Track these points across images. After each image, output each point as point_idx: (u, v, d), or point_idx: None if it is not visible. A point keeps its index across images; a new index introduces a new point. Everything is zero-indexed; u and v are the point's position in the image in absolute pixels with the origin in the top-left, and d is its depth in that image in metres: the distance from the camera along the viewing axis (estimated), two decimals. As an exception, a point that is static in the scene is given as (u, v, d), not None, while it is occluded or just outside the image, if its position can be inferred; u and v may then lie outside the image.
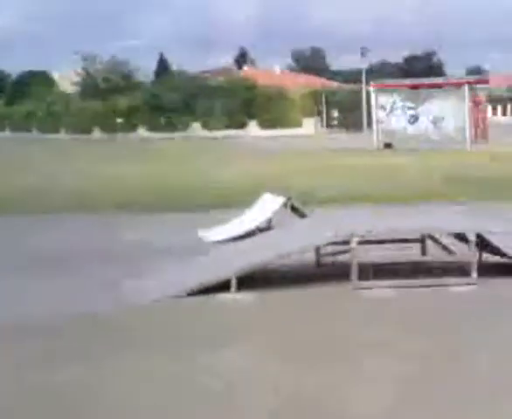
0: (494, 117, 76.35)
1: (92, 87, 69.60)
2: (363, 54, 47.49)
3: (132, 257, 9.27)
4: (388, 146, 33.92)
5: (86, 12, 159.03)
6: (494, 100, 78.51)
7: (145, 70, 75.98)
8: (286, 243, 8.06)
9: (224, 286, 7.22)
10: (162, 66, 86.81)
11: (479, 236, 7.83)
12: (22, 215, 13.40)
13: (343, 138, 44.62)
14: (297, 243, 7.92)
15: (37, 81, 72.61)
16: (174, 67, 79.87)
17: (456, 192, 15.48)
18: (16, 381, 5.02)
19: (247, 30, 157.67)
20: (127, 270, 8.32)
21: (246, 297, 7.13)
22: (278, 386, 4.87)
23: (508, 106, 79.54)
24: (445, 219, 8.91)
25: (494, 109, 79.89)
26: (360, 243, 7.65)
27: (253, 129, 60.52)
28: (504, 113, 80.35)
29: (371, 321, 6.43)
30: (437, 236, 8.55)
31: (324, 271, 8.24)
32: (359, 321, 6.45)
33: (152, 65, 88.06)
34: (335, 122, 63.51)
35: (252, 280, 7.37)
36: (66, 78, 72.10)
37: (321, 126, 63.00)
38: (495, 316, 6.60)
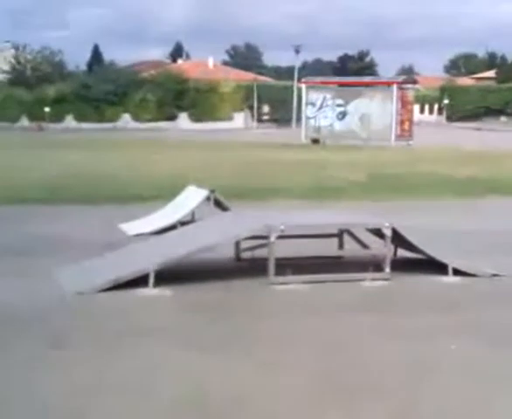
0: (422, 115, 78.05)
1: (21, 76, 68.49)
2: (296, 51, 47.94)
3: (51, 250, 9.14)
4: (315, 141, 34.31)
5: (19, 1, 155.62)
6: (423, 100, 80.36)
7: (78, 61, 75.15)
8: (205, 236, 8.07)
9: (142, 281, 7.20)
10: (96, 58, 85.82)
11: (394, 231, 8.00)
12: None
13: (272, 132, 44.94)
14: (216, 236, 7.94)
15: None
16: (107, 59, 79.26)
17: (370, 188, 15.87)
18: None
19: (184, 24, 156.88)
20: (45, 263, 8.21)
21: (163, 292, 7.12)
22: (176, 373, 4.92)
23: (435, 106, 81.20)
24: (361, 215, 9.06)
25: (422, 108, 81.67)
26: (279, 237, 7.73)
27: (183, 122, 60.43)
28: (431, 112, 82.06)
29: (274, 315, 6.57)
30: (354, 231, 8.69)
31: (243, 266, 8.30)
32: (263, 315, 6.58)
33: (86, 57, 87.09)
34: (266, 117, 63.82)
35: (171, 275, 7.38)
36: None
37: (252, 120, 63.22)
38: (397, 309, 6.82)
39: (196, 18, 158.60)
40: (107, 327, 6.11)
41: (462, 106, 74.61)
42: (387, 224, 7.95)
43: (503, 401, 4.62)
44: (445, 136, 40.18)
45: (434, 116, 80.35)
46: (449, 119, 73.93)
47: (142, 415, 4.38)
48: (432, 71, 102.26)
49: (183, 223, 10.21)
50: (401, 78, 38.23)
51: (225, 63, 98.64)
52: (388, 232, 7.92)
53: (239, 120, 62.44)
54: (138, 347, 5.54)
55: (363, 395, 4.67)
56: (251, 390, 4.74)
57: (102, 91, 59.97)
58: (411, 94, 35.89)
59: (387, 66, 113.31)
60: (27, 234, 10.24)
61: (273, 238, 7.61)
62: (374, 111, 33.66)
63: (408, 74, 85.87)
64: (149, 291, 7.10)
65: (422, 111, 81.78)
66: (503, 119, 72.65)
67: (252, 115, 63.88)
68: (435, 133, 43.56)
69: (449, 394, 4.70)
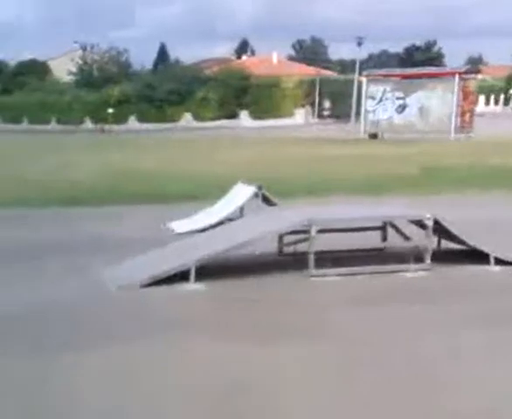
0: (487, 106, 76.50)
1: (88, 77, 69.64)
2: (359, 43, 47.45)
3: (102, 247, 9.38)
4: (373, 136, 34.07)
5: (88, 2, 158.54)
6: (488, 90, 78.77)
7: (144, 60, 75.86)
8: (246, 232, 8.20)
9: (184, 276, 7.36)
10: (162, 57, 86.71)
11: (436, 222, 7.99)
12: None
13: (331, 128, 44.80)
14: (257, 232, 8.05)
15: (33, 71, 72.48)
16: (172, 57, 79.93)
17: (426, 182, 15.74)
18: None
19: (251, 20, 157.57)
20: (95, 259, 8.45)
21: (203, 286, 7.26)
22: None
23: (502, 96, 79.48)
24: (403, 207, 9.06)
25: (488, 99, 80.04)
26: (320, 231, 7.82)
27: (244, 120, 60.57)
28: (496, 103, 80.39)
29: (311, 306, 6.65)
30: (396, 223, 8.69)
31: (285, 260, 8.40)
32: (300, 306, 6.67)
33: (152, 56, 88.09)
34: (327, 112, 63.42)
35: (213, 270, 7.53)
36: (63, 68, 71.97)
37: (313, 116, 62.91)
38: (435, 299, 6.84)
39: (262, 14, 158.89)
40: (148, 320, 6.29)
41: (531, 96, 72.87)
42: (428, 216, 7.96)
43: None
44: (509, 128, 39.36)
45: (500, 107, 78.68)
46: (516, 109, 72.24)
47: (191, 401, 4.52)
48: (502, 60, 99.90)
49: (230, 220, 10.35)
50: (463, 69, 37.59)
51: (291, 58, 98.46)
52: (429, 223, 7.93)
53: (300, 116, 62.18)
54: (179, 339, 5.70)
55: (420, 386, 4.74)
56: (292, 380, 4.84)
57: (165, 90, 60.39)
58: (473, 85, 35.31)
59: (455, 56, 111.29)
60: (84, 233, 10.53)
61: (313, 232, 7.69)
62: (434, 103, 33.21)
63: (475, 64, 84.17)
64: (190, 286, 7.25)
65: (487, 102, 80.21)
66: None
67: (313, 111, 63.58)
68: (498, 124, 42.64)
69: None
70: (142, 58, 73.46)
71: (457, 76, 33.61)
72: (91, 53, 73.52)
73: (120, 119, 58.96)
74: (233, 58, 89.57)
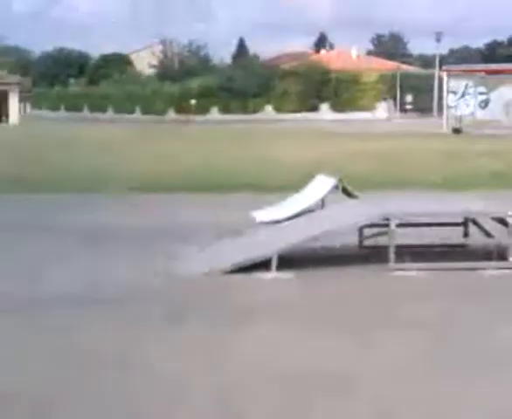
0: None
1: (168, 70, 70.97)
2: (437, 39, 46.89)
3: (188, 234, 9.64)
4: (457, 131, 33.62)
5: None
6: None
7: (222, 54, 76.80)
8: (326, 223, 8.32)
9: (265, 265, 7.55)
10: (241, 50, 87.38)
11: (519, 221, 7.93)
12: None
13: (413, 122, 44.37)
14: (336, 223, 8.17)
15: (115, 63, 74.17)
16: (251, 52, 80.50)
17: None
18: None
19: (329, 14, 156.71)
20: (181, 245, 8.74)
21: (284, 275, 7.43)
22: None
23: None
24: (485, 204, 8.99)
25: None
26: (402, 225, 7.88)
27: (325, 112, 60.60)
28: None
29: (388, 300, 6.75)
30: (478, 220, 8.66)
31: (365, 253, 8.49)
32: (376, 299, 6.77)
33: (231, 49, 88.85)
34: (409, 106, 62.84)
35: (295, 260, 7.69)
36: (144, 61, 73.55)
37: (395, 110, 62.47)
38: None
39: (341, 8, 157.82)
40: (230, 305, 6.53)
41: None
42: (511, 213, 7.91)
43: None
44: None
45: None
46: None
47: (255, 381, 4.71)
48: None
49: (310, 212, 10.47)
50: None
51: (369, 52, 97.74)
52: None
53: (382, 109, 61.88)
54: (259, 324, 5.91)
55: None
56: (361, 369, 4.98)
57: (245, 83, 61.05)
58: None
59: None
60: (168, 220, 10.85)
61: (392, 226, 7.75)
62: (519, 99, 32.63)
63: None
64: (272, 275, 7.43)
65: None
66: None
67: (395, 105, 63.13)
68: None
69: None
70: (221, 53, 74.11)
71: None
72: (171, 47, 74.87)
73: (202, 110, 59.74)
74: (311, 52, 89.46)
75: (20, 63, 78.56)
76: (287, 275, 7.45)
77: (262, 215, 10.97)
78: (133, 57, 79.25)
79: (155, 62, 73.66)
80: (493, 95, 33.66)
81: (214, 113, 61.13)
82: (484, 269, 7.68)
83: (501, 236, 8.18)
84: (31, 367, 4.98)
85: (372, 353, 5.27)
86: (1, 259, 8.33)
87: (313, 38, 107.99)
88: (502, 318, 6.12)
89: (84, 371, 4.92)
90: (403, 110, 62.19)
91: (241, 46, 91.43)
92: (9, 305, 6.44)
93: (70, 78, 77.47)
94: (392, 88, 62.96)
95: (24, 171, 16.99)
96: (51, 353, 5.26)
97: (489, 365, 5.02)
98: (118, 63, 74.77)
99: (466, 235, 8.78)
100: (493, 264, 7.78)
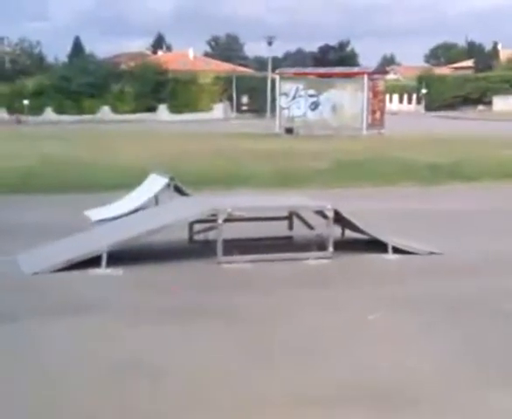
0: (401, 105, 78.90)
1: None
2: (269, 43, 48.15)
3: (17, 235, 9.52)
4: (289, 131, 34.80)
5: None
6: (402, 90, 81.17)
7: (58, 53, 75.02)
8: (156, 219, 8.53)
9: (96, 261, 7.64)
10: (76, 50, 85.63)
11: (336, 213, 8.47)
12: None
13: (248, 123, 45.43)
14: (166, 219, 8.39)
15: None
16: (88, 51, 79.19)
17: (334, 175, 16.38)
18: None
19: (167, 15, 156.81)
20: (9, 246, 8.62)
21: (115, 271, 7.55)
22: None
23: (414, 96, 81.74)
24: (307, 198, 9.53)
25: (401, 98, 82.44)
26: (228, 220, 8.20)
27: (163, 113, 60.75)
28: (410, 102, 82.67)
29: (216, 290, 7.08)
30: (302, 214, 9.14)
31: (194, 248, 8.77)
32: (206, 289, 7.08)
33: (66, 49, 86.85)
34: (245, 108, 64.26)
35: (125, 256, 7.82)
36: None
37: (231, 111, 63.68)
38: (332, 284, 7.34)
39: (178, 9, 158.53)
40: (53, 302, 6.60)
41: (440, 96, 75.24)
42: (329, 206, 8.43)
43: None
44: (419, 125, 40.79)
45: (413, 106, 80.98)
46: (427, 108, 74.52)
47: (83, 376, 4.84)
48: (413, 60, 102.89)
49: (144, 209, 10.64)
50: (371, 69, 38.68)
51: (207, 54, 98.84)
52: (330, 214, 8.39)
53: (219, 110, 62.90)
54: (81, 320, 6.01)
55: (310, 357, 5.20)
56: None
57: (81, 83, 60.09)
58: (382, 84, 36.40)
59: (368, 56, 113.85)
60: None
61: (220, 220, 8.06)
62: (345, 101, 34.13)
63: (388, 64, 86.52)
64: (102, 271, 7.53)
65: (401, 100, 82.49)
66: (481, 107, 73.36)
67: (232, 106, 64.35)
68: (410, 122, 44.12)
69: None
70: (56, 51, 72.58)
71: (366, 76, 34.69)
72: (2, 45, 72.44)
73: (36, 110, 58.19)
74: (149, 52, 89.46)
75: None
76: (117, 271, 7.57)
77: (96, 214, 11.04)
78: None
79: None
80: (322, 97, 35.08)
81: (48, 114, 59.66)
82: (305, 259, 8.16)
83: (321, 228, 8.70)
84: None
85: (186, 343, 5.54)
86: None
87: (150, 39, 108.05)
88: (318, 303, 6.56)
89: None
90: (239, 111, 63.52)
91: (77, 45, 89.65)
92: None
93: None
94: (229, 89, 64.17)
95: None
96: None
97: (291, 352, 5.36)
98: None
99: (290, 228, 9.27)
100: (313, 254, 8.27)
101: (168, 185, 11.41)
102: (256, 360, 5.14)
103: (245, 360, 5.14)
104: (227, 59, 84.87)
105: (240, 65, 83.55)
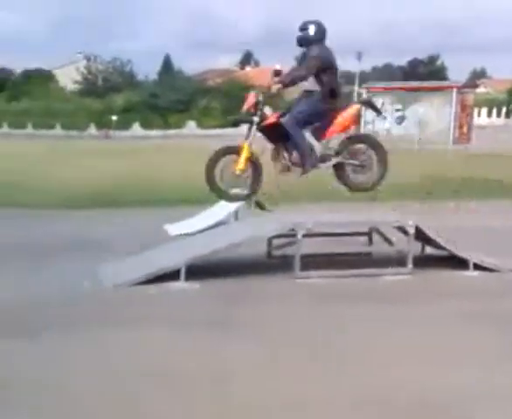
0: (489, 119, 77.04)
1: (92, 86, 70.56)
2: (358, 58, 47.91)
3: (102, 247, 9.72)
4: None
5: (88, 14, 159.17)
6: (491, 103, 79.30)
7: (148, 70, 76.66)
8: (235, 234, 8.54)
9: (174, 275, 7.71)
10: (166, 67, 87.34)
11: (418, 229, 8.32)
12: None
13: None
14: (244, 234, 8.40)
15: (38, 79, 73.09)
16: (177, 68, 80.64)
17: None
18: None
19: (254, 32, 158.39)
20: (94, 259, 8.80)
21: (193, 285, 7.62)
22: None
23: (503, 109, 79.78)
24: (388, 214, 9.39)
25: (490, 112, 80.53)
26: (307, 235, 8.16)
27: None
28: (499, 115, 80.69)
29: (286, 303, 7.10)
30: (381, 230, 9.01)
31: (273, 263, 8.74)
32: (280, 303, 7.11)
33: (157, 67, 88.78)
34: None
35: (203, 270, 7.87)
36: (68, 77, 72.71)
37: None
38: (411, 299, 7.23)
39: (267, 27, 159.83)
40: (133, 314, 6.71)
41: (531, 109, 73.23)
42: (410, 222, 8.28)
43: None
44: (506, 140, 39.64)
45: (502, 119, 79.00)
46: (518, 122, 72.52)
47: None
48: (505, 73, 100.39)
49: (222, 224, 10.65)
50: (461, 83, 37.92)
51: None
52: (411, 230, 8.25)
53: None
54: (155, 331, 6.11)
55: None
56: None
57: (169, 99, 61.15)
58: (471, 98, 35.64)
59: (458, 70, 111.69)
60: (76, 235, 10.90)
61: (299, 236, 8.03)
62: (432, 115, 33.60)
63: (478, 78, 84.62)
64: (180, 285, 7.60)
65: (490, 114, 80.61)
66: None
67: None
68: (498, 136, 42.95)
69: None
70: (147, 69, 74.07)
71: (455, 90, 34.03)
72: (95, 63, 74.58)
73: (124, 125, 59.43)
74: (236, 69, 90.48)
75: None
76: (194, 285, 7.63)
77: (175, 228, 11.13)
78: (57, 73, 78.26)
79: (79, 78, 73.09)
80: (408, 112, 34.65)
81: (136, 129, 60.87)
82: (384, 275, 8.04)
83: (401, 244, 8.55)
84: None
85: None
86: None
87: (239, 56, 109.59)
88: (390, 320, 6.47)
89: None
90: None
91: (166, 63, 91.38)
92: None
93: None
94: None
95: None
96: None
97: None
98: (40, 78, 73.65)
99: (370, 243, 9.15)
100: (392, 270, 8.14)
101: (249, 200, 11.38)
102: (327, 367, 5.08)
103: (323, 368, 5.09)
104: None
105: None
